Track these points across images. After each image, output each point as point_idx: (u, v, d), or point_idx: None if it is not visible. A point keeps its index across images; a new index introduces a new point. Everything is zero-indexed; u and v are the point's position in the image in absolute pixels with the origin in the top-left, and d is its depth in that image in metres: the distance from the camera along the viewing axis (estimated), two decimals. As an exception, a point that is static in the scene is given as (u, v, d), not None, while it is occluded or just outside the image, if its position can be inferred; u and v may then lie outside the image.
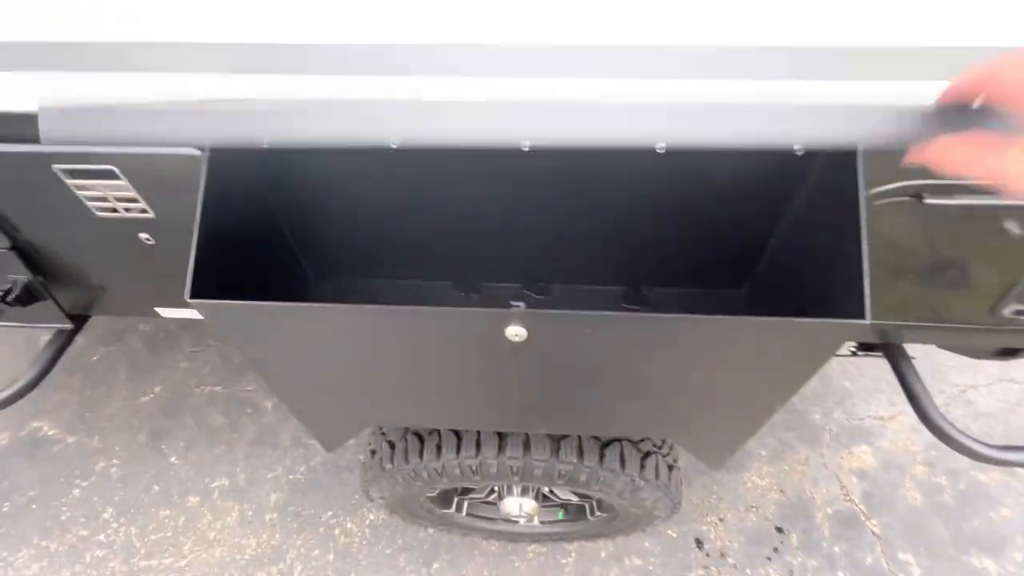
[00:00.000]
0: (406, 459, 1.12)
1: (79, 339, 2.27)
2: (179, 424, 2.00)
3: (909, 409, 2.03)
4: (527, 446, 1.06)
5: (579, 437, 1.07)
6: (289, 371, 0.73)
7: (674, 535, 1.74)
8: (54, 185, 0.86)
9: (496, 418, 0.81)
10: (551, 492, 1.44)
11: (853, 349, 1.55)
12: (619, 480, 1.09)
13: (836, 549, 1.71)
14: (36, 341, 2.19)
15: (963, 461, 1.89)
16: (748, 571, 1.67)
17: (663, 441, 1.20)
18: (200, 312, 0.66)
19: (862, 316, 0.54)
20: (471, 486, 1.23)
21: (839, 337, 0.57)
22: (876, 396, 2.08)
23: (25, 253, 1.03)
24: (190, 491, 1.84)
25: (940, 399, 2.04)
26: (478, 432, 1.07)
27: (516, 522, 1.58)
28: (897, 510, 1.79)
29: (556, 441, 1.07)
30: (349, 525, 1.76)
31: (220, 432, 1.98)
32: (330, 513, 1.79)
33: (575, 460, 1.06)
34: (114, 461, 1.90)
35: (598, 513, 1.45)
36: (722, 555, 1.70)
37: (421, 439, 1.12)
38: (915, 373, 1.17)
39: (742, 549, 1.71)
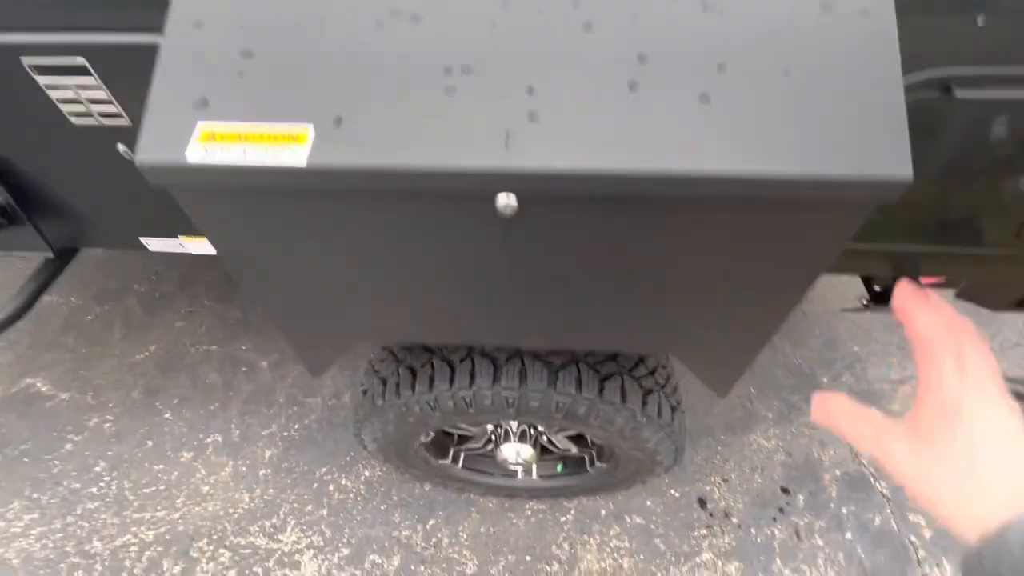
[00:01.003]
0: (397, 393, 1.08)
1: (73, 298, 2.25)
2: (174, 382, 1.97)
3: (921, 373, 1.98)
4: (523, 376, 1.01)
5: (577, 367, 1.03)
6: (269, 265, 0.68)
7: (676, 495, 1.69)
8: (26, 86, 0.82)
9: (487, 327, 0.76)
10: (550, 442, 1.40)
11: (865, 301, 1.49)
12: (620, 415, 1.04)
13: (844, 510, 1.66)
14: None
15: (977, 425, 1.84)
16: (753, 531, 1.62)
17: (666, 379, 1.15)
18: (172, 187, 0.60)
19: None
20: (465, 425, 1.18)
21: (878, 195, 0.51)
22: (886, 360, 2.01)
23: (6, 171, 0.99)
24: (184, 447, 1.81)
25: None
26: (472, 361, 1.03)
27: (514, 475, 1.54)
28: (907, 472, 1.74)
29: (553, 372, 1.02)
30: (344, 481, 1.73)
31: (215, 390, 1.95)
32: (324, 469, 1.75)
33: (573, 391, 1.01)
34: (108, 417, 1.88)
35: (598, 464, 1.40)
36: (726, 515, 1.66)
37: (413, 372, 1.08)
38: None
39: (747, 509, 1.66)
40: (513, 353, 1.03)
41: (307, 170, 0.50)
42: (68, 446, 1.81)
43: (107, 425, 1.86)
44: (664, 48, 0.49)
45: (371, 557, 1.58)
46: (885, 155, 0.46)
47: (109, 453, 1.79)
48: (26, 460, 1.78)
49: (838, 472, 1.74)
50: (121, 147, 0.92)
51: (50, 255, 1.14)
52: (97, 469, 1.76)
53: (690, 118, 0.47)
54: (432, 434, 1.30)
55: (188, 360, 2.03)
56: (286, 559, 1.58)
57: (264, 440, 1.82)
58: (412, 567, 1.56)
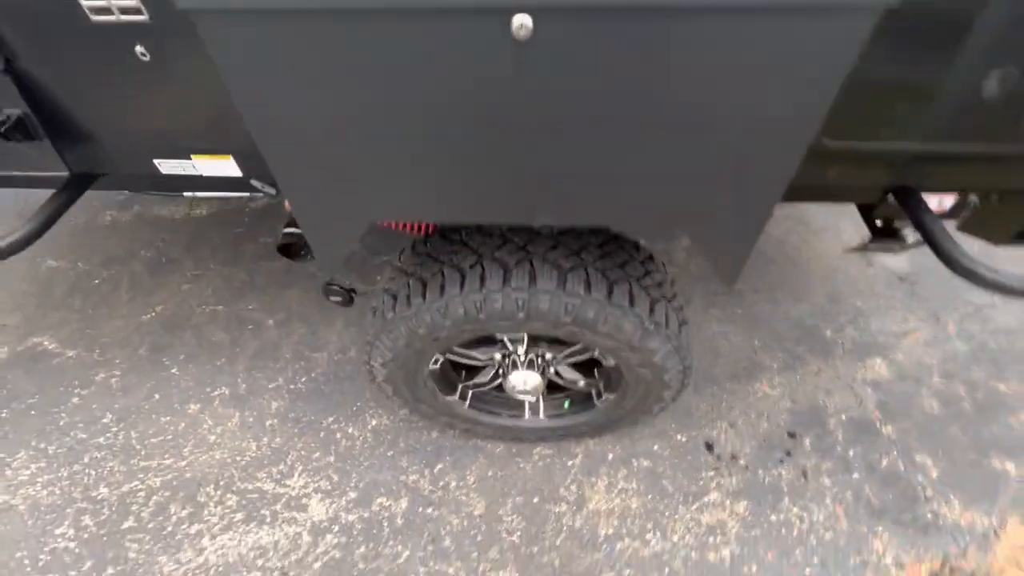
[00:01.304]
0: (408, 303, 1.09)
1: (80, 264, 2.26)
2: (180, 339, 1.98)
3: (924, 325, 1.99)
4: (533, 278, 1.03)
5: (586, 271, 1.04)
6: (290, 120, 0.69)
7: (683, 439, 1.69)
8: None
9: (498, 199, 0.77)
10: (556, 375, 1.41)
11: (868, 240, 1.51)
12: (628, 320, 1.05)
13: (851, 452, 1.66)
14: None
15: (982, 372, 1.85)
16: (760, 472, 1.62)
17: (673, 294, 1.16)
18: (202, 28, 0.62)
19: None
20: (474, 333, 1.15)
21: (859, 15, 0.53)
22: (889, 313, 2.03)
23: (20, 80, 1.01)
24: (191, 399, 1.81)
25: (957, 316, 2.00)
26: (482, 266, 1.04)
27: (520, 414, 1.54)
28: (914, 417, 1.74)
29: (563, 274, 1.03)
30: (351, 430, 1.73)
31: (221, 347, 1.96)
32: (331, 419, 1.75)
33: (582, 292, 1.02)
34: (114, 372, 1.88)
35: (605, 395, 1.41)
36: (733, 457, 1.66)
37: (423, 282, 1.09)
38: (931, 213, 1.12)
39: (753, 452, 1.67)
40: (523, 257, 1.04)
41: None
42: (75, 399, 1.81)
43: (114, 380, 1.86)
44: None
45: (379, 500, 1.58)
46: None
47: (116, 406, 1.79)
48: (33, 413, 1.78)
49: (843, 417, 1.74)
50: (139, 48, 0.94)
51: (66, 174, 1.15)
52: (104, 421, 1.76)
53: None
54: (440, 360, 1.31)
55: (194, 320, 2.04)
56: (293, 503, 1.58)
57: (271, 393, 1.82)
58: (420, 509, 1.56)
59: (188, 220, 2.43)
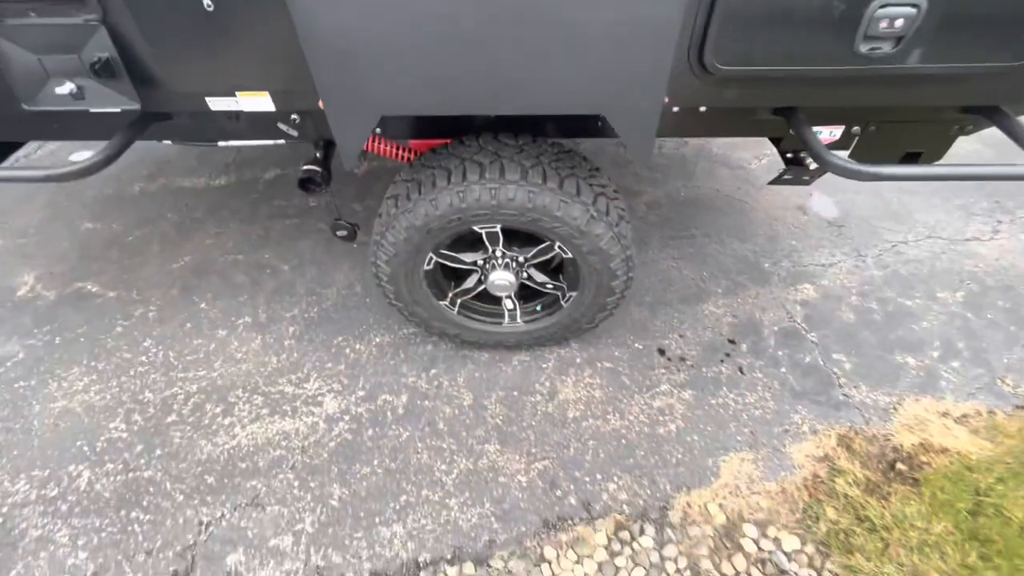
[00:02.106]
0: (408, 199, 1.41)
1: (114, 225, 2.58)
2: (207, 282, 2.27)
3: (847, 258, 2.34)
4: (502, 171, 1.35)
5: (543, 169, 1.37)
6: (342, 35, 1.01)
7: (640, 347, 2.00)
8: None
9: (474, 93, 1.09)
10: (528, 278, 1.72)
11: (783, 172, 1.85)
12: (575, 206, 1.37)
13: (780, 353, 1.98)
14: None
15: (893, 291, 2.19)
16: (704, 369, 1.93)
17: (614, 191, 1.49)
18: None
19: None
20: (459, 226, 1.43)
21: None
22: (819, 250, 2.37)
23: (112, 29, 1.33)
24: (218, 326, 2.10)
25: (875, 251, 2.35)
26: (464, 166, 1.36)
27: (500, 320, 1.85)
28: (833, 326, 2.07)
29: (525, 169, 1.36)
30: (358, 346, 2.02)
31: (243, 287, 2.25)
32: (340, 338, 2.05)
33: (540, 183, 1.34)
34: (151, 308, 2.17)
35: (569, 294, 1.72)
36: (681, 359, 1.97)
37: (419, 183, 1.41)
38: (808, 127, 1.45)
39: (699, 355, 1.98)
40: (495, 159, 1.37)
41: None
42: (118, 329, 2.10)
43: (151, 313, 2.15)
44: None
45: (383, 396, 1.87)
46: None
47: (154, 333, 2.08)
48: (82, 340, 2.06)
49: (776, 328, 2.07)
50: (207, 1, 1.26)
51: (139, 107, 1.46)
52: (145, 344, 2.04)
53: None
54: (432, 260, 1.61)
55: (218, 266, 2.34)
56: (310, 400, 1.86)
57: (287, 320, 2.12)
58: (418, 402, 1.85)
59: (208, 189, 2.75)
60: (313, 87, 1.35)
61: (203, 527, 1.57)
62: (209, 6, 1.27)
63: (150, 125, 1.62)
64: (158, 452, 1.73)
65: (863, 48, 1.22)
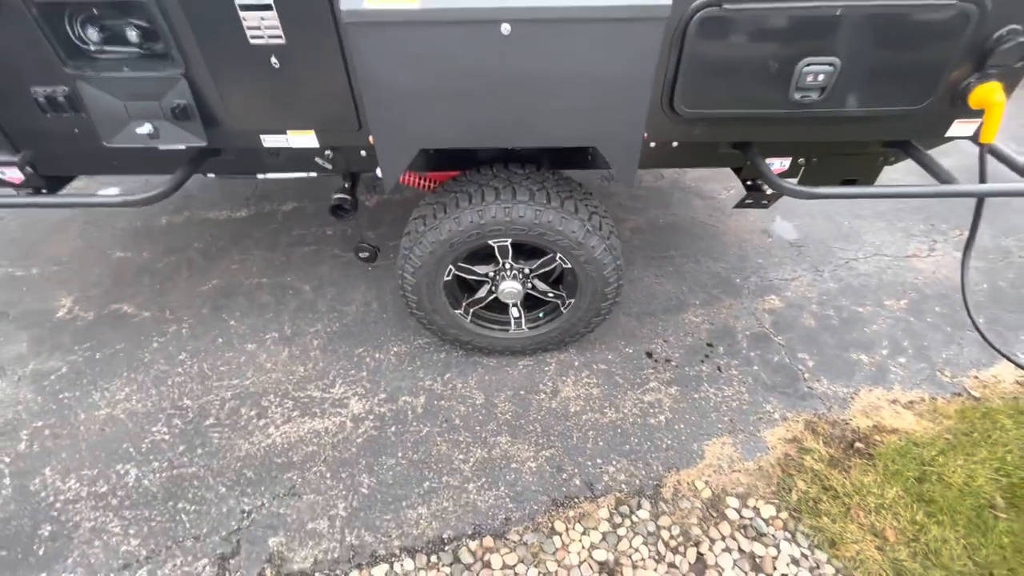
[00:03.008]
0: (434, 218, 1.68)
1: (145, 253, 2.79)
2: (234, 302, 2.48)
3: (807, 273, 2.66)
4: (514, 194, 1.63)
5: (547, 191, 1.66)
6: (390, 85, 1.30)
7: (630, 351, 2.26)
8: (231, 20, 1.45)
9: (492, 130, 1.38)
10: (533, 288, 1.98)
11: (745, 196, 2.18)
12: (574, 222, 1.66)
13: (752, 354, 2.25)
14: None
15: (847, 300, 2.50)
16: (687, 368, 2.19)
17: (605, 210, 1.78)
18: (349, 18, 1.23)
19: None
20: (476, 240, 1.71)
21: (651, 21, 1.19)
22: (783, 266, 2.69)
23: (191, 81, 1.60)
24: (248, 341, 2.30)
25: (830, 267, 2.68)
26: (482, 191, 1.65)
27: (507, 327, 2.09)
28: (797, 330, 2.36)
29: (533, 192, 1.65)
30: (378, 355, 2.24)
31: (268, 306, 2.47)
32: (361, 349, 2.26)
33: (545, 202, 1.63)
34: (184, 325, 2.37)
35: (568, 301, 1.98)
36: (667, 360, 2.23)
37: (444, 205, 1.68)
38: (761, 158, 1.78)
39: (682, 356, 2.24)
40: (507, 184, 1.65)
41: (419, 10, 1.16)
42: (154, 344, 2.28)
43: (184, 330, 2.34)
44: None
45: (403, 398, 2.08)
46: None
47: (188, 347, 2.27)
48: (121, 355, 2.24)
49: (748, 333, 2.35)
50: (273, 59, 1.56)
51: (204, 143, 1.72)
52: (180, 357, 2.23)
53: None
54: (451, 272, 1.87)
55: (244, 288, 2.56)
56: (337, 402, 2.06)
57: (311, 334, 2.33)
58: (435, 402, 2.06)
59: (231, 220, 2.99)
60: (350, 126, 1.64)
61: (245, 514, 1.73)
62: (275, 64, 1.56)
63: (206, 160, 1.88)
64: (199, 451, 1.90)
65: (797, 96, 1.54)
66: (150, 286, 2.56)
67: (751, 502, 1.77)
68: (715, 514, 1.74)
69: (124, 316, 2.41)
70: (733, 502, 1.77)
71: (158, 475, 1.83)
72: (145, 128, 1.65)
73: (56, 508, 1.75)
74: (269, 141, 1.79)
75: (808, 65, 1.47)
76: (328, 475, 1.84)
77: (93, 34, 1.52)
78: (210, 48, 1.53)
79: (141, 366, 2.19)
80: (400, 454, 1.90)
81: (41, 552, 1.64)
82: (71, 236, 2.86)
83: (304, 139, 1.77)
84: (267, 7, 1.44)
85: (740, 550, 1.66)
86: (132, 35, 1.52)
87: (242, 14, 1.45)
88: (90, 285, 2.57)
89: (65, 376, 2.15)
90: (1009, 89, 1.52)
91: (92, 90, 1.59)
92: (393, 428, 1.98)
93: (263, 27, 1.47)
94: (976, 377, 2.16)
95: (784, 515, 1.74)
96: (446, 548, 1.66)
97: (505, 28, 1.20)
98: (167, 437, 1.94)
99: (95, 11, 1.48)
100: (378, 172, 1.92)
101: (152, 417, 2.01)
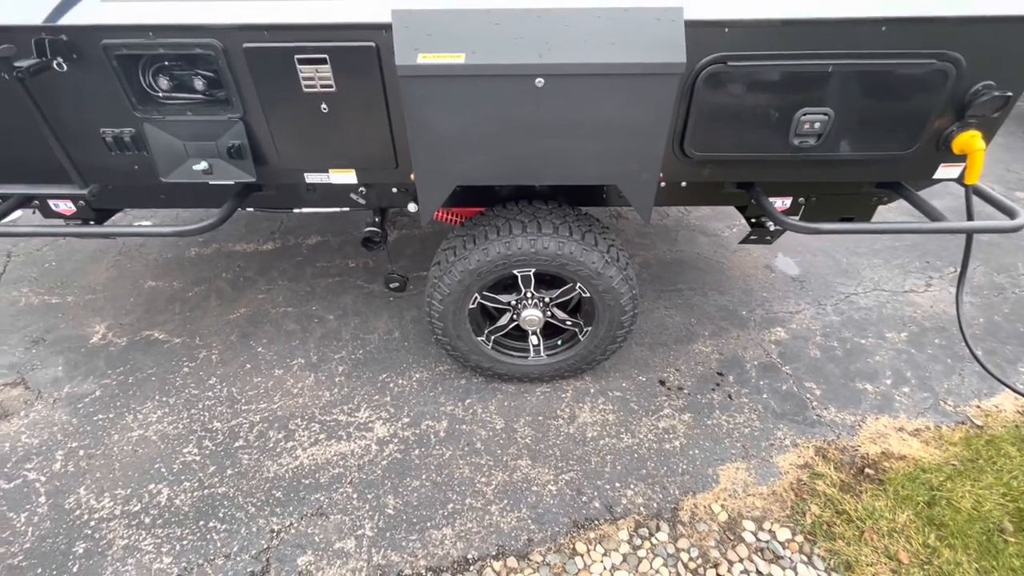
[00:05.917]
0: (465, 248, 1.81)
1: (175, 283, 2.92)
2: (262, 330, 2.58)
3: (810, 307, 2.78)
4: (539, 227, 1.77)
5: (569, 225, 1.79)
6: (432, 127, 1.45)
7: (643, 379, 2.34)
8: (288, 71, 1.63)
9: (523, 169, 1.53)
10: (552, 316, 2.09)
11: (749, 233, 2.32)
12: (594, 253, 1.79)
13: (761, 383, 2.34)
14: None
15: (849, 332, 2.60)
16: (699, 396, 2.27)
17: (622, 243, 1.91)
18: (403, 71, 1.39)
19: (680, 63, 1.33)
20: (501, 270, 1.83)
21: (667, 75, 1.35)
22: (787, 300, 2.81)
23: (247, 123, 1.77)
24: (275, 367, 2.39)
25: (832, 301, 2.80)
26: (509, 224, 1.78)
27: (527, 355, 2.19)
28: (803, 360, 2.45)
29: (556, 226, 1.78)
30: (401, 381, 2.32)
31: (294, 334, 2.57)
32: (385, 375, 2.35)
33: (567, 235, 1.76)
34: (213, 352, 2.46)
35: (585, 329, 2.09)
36: (679, 388, 2.31)
37: (474, 237, 1.82)
38: (765, 197, 1.92)
39: (693, 385, 2.32)
40: (532, 218, 1.79)
41: (464, 65, 1.33)
42: (185, 369, 2.36)
43: (214, 356, 2.43)
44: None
45: (426, 422, 2.15)
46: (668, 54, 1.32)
47: (218, 372, 2.35)
48: (153, 379, 2.32)
49: (756, 363, 2.44)
50: (323, 105, 1.72)
51: (254, 179, 1.86)
52: (210, 382, 2.31)
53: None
54: (476, 300, 1.98)
55: (271, 317, 2.66)
56: (362, 426, 2.13)
57: (336, 361, 2.42)
58: (456, 426, 2.13)
59: (258, 253, 3.13)
60: (389, 165, 1.79)
61: (275, 534, 1.78)
62: (324, 109, 1.72)
63: (250, 194, 2.03)
64: (229, 472, 1.96)
65: (795, 141, 1.70)
66: (180, 314, 2.67)
67: (767, 525, 1.82)
68: (732, 537, 1.79)
69: (156, 342, 2.51)
70: (749, 525, 1.82)
71: (189, 495, 1.89)
72: (201, 165, 1.80)
73: (90, 526, 1.79)
74: (312, 178, 1.94)
75: (805, 114, 1.63)
76: (355, 496, 1.89)
77: (163, 83, 1.69)
78: (267, 95, 1.70)
79: (172, 390, 2.27)
80: (424, 476, 1.95)
81: (76, 569, 1.68)
82: (105, 266, 2.99)
83: (344, 176, 1.93)
84: (322, 61, 1.61)
85: (758, 572, 1.70)
86: (198, 83, 1.69)
87: (299, 67, 1.62)
88: (123, 312, 2.67)
89: (99, 399, 2.23)
90: (988, 136, 1.68)
91: (156, 131, 1.75)
92: (417, 451, 2.04)
93: (316, 77, 1.64)
94: (978, 406, 2.24)
95: (800, 538, 1.78)
96: (471, 568, 1.70)
97: (539, 81, 1.36)
98: (198, 458, 2.01)
99: (167, 63, 1.66)
100: (410, 207, 2.08)
101: (183, 439, 2.07)
